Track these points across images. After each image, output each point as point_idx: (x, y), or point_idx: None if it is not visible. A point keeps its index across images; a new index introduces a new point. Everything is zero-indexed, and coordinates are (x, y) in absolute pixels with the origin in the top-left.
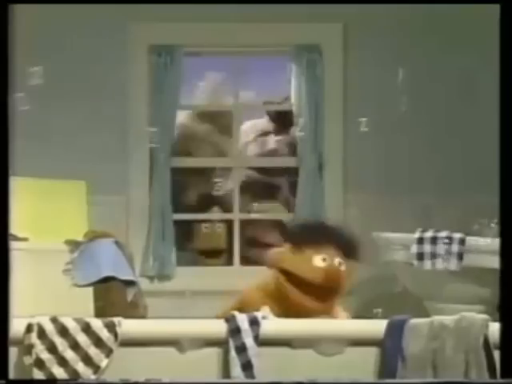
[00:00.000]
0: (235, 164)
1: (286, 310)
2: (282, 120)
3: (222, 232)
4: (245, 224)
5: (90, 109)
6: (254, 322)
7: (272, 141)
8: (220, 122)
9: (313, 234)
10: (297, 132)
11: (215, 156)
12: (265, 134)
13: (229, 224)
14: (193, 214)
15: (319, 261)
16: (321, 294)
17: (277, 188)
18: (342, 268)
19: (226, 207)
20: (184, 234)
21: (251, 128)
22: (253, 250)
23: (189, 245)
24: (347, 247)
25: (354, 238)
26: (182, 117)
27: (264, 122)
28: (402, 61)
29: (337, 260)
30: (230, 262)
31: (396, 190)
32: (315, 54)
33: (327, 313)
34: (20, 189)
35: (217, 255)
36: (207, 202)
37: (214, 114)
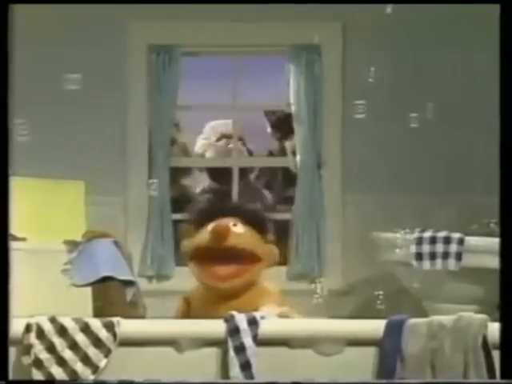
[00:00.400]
0: (235, 164)
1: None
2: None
3: None
4: None
5: (89, 108)
6: (253, 322)
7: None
8: None
9: (212, 211)
10: (295, 131)
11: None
12: (225, 137)
13: None
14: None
15: (211, 226)
16: (225, 260)
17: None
18: (235, 228)
19: None
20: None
21: (213, 129)
22: None
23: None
24: (255, 220)
25: (263, 215)
26: None
27: (227, 125)
28: (401, 60)
29: (231, 222)
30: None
31: (395, 189)
32: (314, 54)
33: (243, 282)
34: (18, 189)
35: None
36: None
37: None
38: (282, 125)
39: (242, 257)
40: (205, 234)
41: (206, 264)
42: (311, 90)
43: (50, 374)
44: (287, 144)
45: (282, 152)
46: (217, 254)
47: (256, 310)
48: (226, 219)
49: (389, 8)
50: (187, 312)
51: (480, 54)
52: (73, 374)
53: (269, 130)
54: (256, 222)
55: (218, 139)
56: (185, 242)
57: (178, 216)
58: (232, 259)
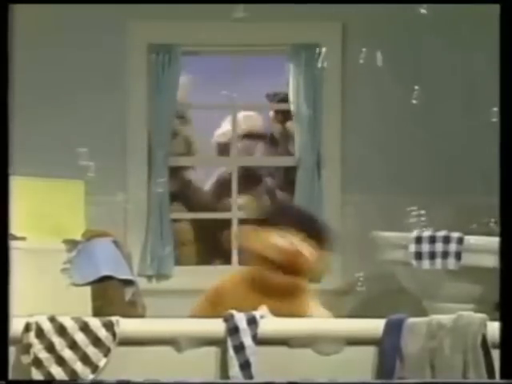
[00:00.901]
0: (234, 163)
1: (258, 291)
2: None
3: (186, 227)
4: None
5: (88, 108)
6: (253, 321)
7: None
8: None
9: (279, 217)
10: (295, 130)
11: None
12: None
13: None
14: (192, 213)
15: (277, 238)
16: (280, 271)
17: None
18: (303, 249)
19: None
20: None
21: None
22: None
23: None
24: (316, 234)
25: (326, 228)
26: None
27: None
28: (401, 60)
29: (297, 241)
30: (228, 262)
31: (394, 189)
32: (314, 53)
33: (294, 296)
34: (18, 188)
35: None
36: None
37: None
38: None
39: (295, 273)
40: (267, 241)
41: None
42: (311, 89)
43: (49, 374)
44: (288, 125)
45: (285, 135)
46: (275, 265)
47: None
48: (294, 234)
49: (423, 9)
50: (217, 303)
51: (480, 53)
52: (72, 373)
53: (271, 113)
54: (319, 236)
55: (245, 136)
56: (240, 229)
57: (177, 215)
58: (286, 274)
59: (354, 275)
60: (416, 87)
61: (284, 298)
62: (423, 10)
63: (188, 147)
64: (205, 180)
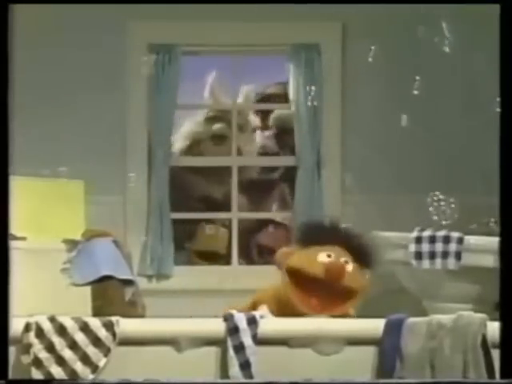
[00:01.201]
0: (234, 163)
1: (290, 311)
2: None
3: (224, 236)
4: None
5: (88, 107)
6: (252, 321)
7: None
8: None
9: (322, 234)
10: (295, 130)
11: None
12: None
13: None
14: (191, 213)
15: (324, 256)
16: (324, 292)
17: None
18: (348, 266)
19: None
20: (183, 233)
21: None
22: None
23: (187, 245)
24: (359, 252)
25: (368, 245)
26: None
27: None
28: (401, 60)
29: (343, 259)
30: (228, 262)
31: (394, 189)
32: (314, 53)
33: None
34: (18, 188)
35: (215, 259)
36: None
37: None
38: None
39: (342, 293)
40: (313, 259)
41: (304, 289)
42: (311, 89)
43: (49, 373)
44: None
45: (264, 126)
46: (321, 286)
47: None
48: (339, 251)
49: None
50: (266, 301)
51: (480, 54)
52: (72, 373)
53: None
54: (362, 256)
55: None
56: (284, 251)
57: (177, 215)
58: (331, 294)
59: (373, 292)
60: (417, 77)
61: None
62: (423, 9)
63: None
64: None
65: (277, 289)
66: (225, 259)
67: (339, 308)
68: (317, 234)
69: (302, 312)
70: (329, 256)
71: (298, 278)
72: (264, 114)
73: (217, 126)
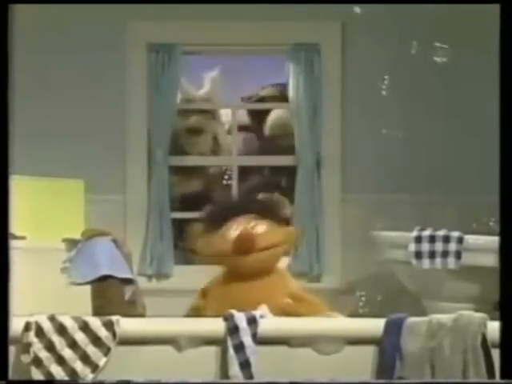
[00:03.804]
0: (233, 163)
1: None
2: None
3: None
4: None
5: (88, 107)
6: (252, 321)
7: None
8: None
9: (227, 211)
10: (295, 130)
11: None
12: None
13: None
14: (190, 212)
15: (232, 231)
16: (247, 261)
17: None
18: (257, 228)
19: None
20: (182, 232)
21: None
22: None
23: (186, 243)
24: (269, 210)
25: (269, 201)
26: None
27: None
28: (400, 60)
29: (251, 224)
30: None
31: (394, 188)
32: (313, 53)
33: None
34: (18, 187)
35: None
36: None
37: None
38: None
39: (265, 253)
40: (225, 239)
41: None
42: (310, 89)
43: (49, 373)
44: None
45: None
46: (239, 259)
47: (273, 294)
48: (244, 220)
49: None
50: (204, 305)
51: (480, 53)
52: (72, 372)
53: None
54: (270, 212)
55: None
56: (200, 242)
57: (176, 215)
58: (247, 257)
59: (356, 294)
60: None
61: (259, 278)
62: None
63: (216, 144)
64: None
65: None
66: None
67: (269, 266)
68: (223, 213)
69: (235, 268)
70: (236, 229)
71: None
72: (259, 116)
73: (193, 119)
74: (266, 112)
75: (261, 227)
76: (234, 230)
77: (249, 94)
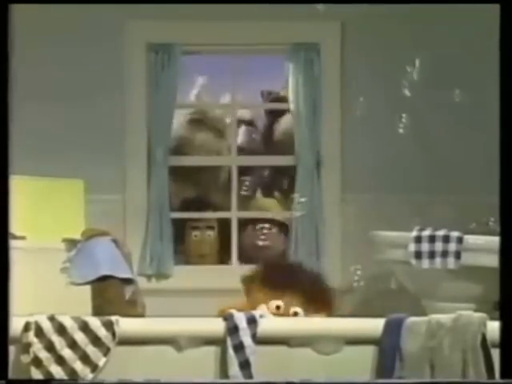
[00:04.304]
0: (233, 163)
1: None
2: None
3: (211, 239)
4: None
5: (88, 107)
6: (252, 321)
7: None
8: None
9: (281, 277)
10: (294, 130)
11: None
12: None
13: (221, 228)
14: (190, 212)
15: (273, 307)
16: None
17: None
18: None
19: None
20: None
21: None
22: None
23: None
24: (315, 297)
25: (326, 288)
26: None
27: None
28: (400, 60)
29: (293, 310)
30: (227, 261)
31: (394, 188)
32: (313, 53)
33: None
34: (17, 187)
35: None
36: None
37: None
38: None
39: None
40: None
41: None
42: (310, 89)
43: (48, 373)
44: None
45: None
46: None
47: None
48: (291, 300)
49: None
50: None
51: (480, 53)
52: (72, 372)
53: (263, 111)
54: (318, 301)
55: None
56: (248, 279)
57: (176, 215)
58: None
59: (350, 268)
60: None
61: None
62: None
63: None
64: None
65: (243, 306)
66: (213, 259)
67: None
68: (275, 277)
69: None
70: (278, 308)
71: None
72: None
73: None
74: (281, 113)
75: (300, 316)
76: (276, 308)
77: (269, 89)
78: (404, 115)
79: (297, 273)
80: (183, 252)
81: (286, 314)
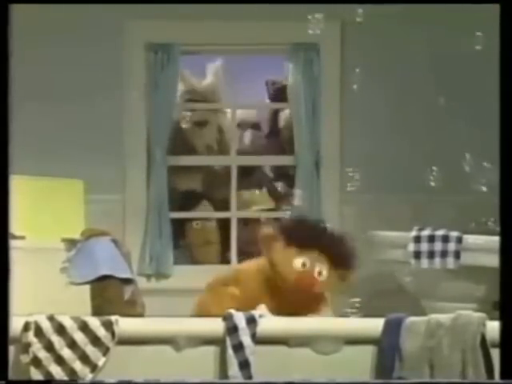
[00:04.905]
0: (232, 162)
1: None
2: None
3: (212, 227)
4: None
5: (87, 107)
6: (252, 321)
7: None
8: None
9: (306, 235)
10: (294, 130)
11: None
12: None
13: (220, 220)
14: (190, 212)
15: (299, 264)
16: (292, 298)
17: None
18: (321, 277)
19: (215, 201)
20: (180, 232)
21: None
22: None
23: (184, 242)
24: (340, 257)
25: (350, 249)
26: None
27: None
28: (399, 59)
29: (318, 268)
30: (227, 261)
31: (393, 188)
32: (313, 53)
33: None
34: (17, 187)
35: (209, 249)
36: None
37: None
38: (280, 96)
39: (310, 301)
40: (288, 265)
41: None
42: (310, 88)
43: (48, 373)
44: (281, 115)
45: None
46: (289, 292)
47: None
48: (317, 258)
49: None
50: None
51: (480, 53)
52: (71, 372)
53: (267, 100)
54: (342, 261)
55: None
56: (269, 236)
57: (176, 215)
58: (298, 300)
59: (349, 300)
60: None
61: (294, 305)
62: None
63: (220, 135)
64: None
65: (260, 265)
66: (218, 246)
67: (310, 307)
68: (300, 235)
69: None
70: (304, 265)
71: (273, 271)
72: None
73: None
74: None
75: (324, 275)
76: (301, 265)
77: (274, 79)
78: (404, 115)
79: (321, 232)
80: (186, 246)
81: (311, 272)
